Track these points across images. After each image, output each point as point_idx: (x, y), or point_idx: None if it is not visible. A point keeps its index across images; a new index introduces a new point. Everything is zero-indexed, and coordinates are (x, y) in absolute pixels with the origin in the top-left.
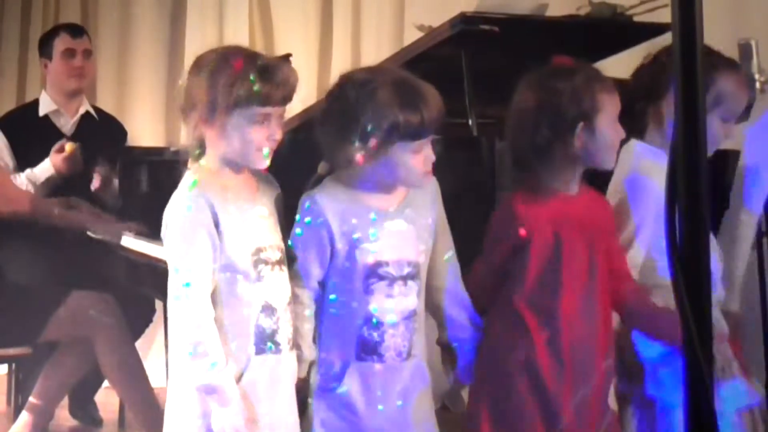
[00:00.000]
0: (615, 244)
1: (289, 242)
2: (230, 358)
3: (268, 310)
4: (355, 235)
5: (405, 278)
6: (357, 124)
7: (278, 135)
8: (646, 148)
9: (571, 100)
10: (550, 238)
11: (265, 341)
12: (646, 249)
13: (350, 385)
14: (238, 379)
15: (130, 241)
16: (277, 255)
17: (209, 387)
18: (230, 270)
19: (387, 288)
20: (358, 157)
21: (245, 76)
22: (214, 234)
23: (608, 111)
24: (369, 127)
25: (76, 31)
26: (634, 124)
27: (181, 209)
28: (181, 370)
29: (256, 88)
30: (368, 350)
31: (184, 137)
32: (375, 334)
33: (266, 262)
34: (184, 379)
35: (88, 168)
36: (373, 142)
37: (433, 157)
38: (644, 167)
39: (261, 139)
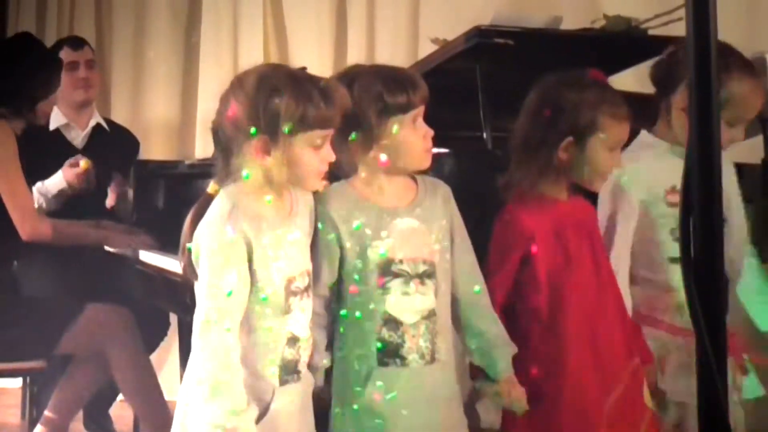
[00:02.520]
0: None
1: None
2: (255, 392)
3: (292, 340)
4: (365, 233)
5: (421, 276)
6: (347, 113)
7: (333, 156)
8: (647, 136)
9: (569, 112)
10: (553, 242)
11: (288, 372)
12: (630, 239)
13: (374, 392)
14: (264, 413)
15: (147, 256)
16: (305, 281)
17: (227, 429)
18: (260, 304)
19: (403, 286)
20: (359, 145)
21: (312, 97)
22: (247, 273)
23: (607, 136)
24: (361, 110)
25: (77, 43)
26: (647, 114)
27: (215, 244)
28: (196, 402)
29: (321, 109)
30: (390, 353)
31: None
32: (395, 336)
33: (295, 293)
34: (200, 414)
35: (100, 182)
36: (368, 124)
37: (431, 132)
38: (635, 153)
39: (319, 163)
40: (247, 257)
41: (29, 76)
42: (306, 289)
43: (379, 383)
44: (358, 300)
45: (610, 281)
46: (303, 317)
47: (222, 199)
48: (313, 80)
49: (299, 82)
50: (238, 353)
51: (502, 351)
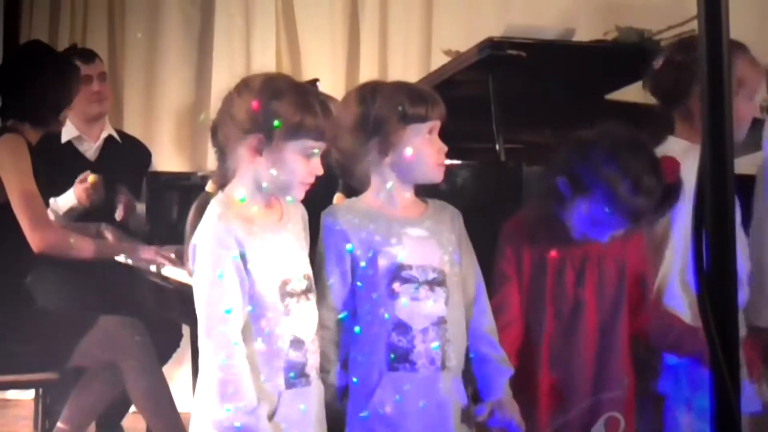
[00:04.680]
0: (639, 271)
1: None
2: (261, 395)
3: (297, 343)
4: (374, 240)
5: (431, 283)
6: (368, 119)
7: (321, 170)
8: (679, 141)
9: (583, 168)
10: (536, 255)
11: (295, 375)
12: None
13: (384, 398)
14: (271, 416)
15: (168, 270)
16: (303, 284)
17: (241, 428)
18: (257, 305)
19: (413, 291)
20: (375, 151)
21: (312, 107)
22: (242, 270)
23: (584, 208)
24: (381, 117)
25: (88, 56)
26: (662, 128)
27: (208, 244)
28: (207, 405)
29: (318, 120)
30: (399, 358)
31: (212, 163)
32: (404, 340)
33: (292, 294)
34: (211, 415)
35: (110, 197)
36: (386, 130)
37: (445, 148)
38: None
39: (307, 173)
40: (240, 257)
41: (51, 84)
42: (304, 292)
43: (389, 388)
44: (369, 306)
45: (599, 309)
46: (305, 320)
47: (213, 205)
48: (316, 93)
49: (302, 91)
50: (243, 351)
51: (497, 373)
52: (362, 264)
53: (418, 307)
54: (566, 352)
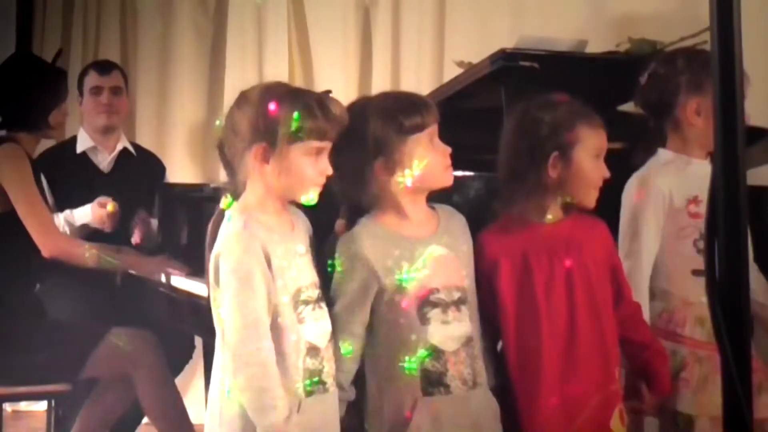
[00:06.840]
0: (615, 265)
1: (332, 287)
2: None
3: (313, 351)
4: (402, 266)
5: (457, 303)
6: (366, 140)
7: (329, 170)
8: (666, 153)
9: (549, 130)
10: (519, 265)
11: (313, 382)
12: (652, 250)
13: (421, 424)
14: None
15: (178, 281)
16: (315, 293)
17: None
18: (274, 313)
19: (442, 315)
20: (382, 170)
21: (310, 109)
22: (269, 278)
23: (587, 146)
24: (380, 134)
25: (104, 68)
26: (654, 141)
27: (236, 254)
28: (232, 416)
29: (317, 121)
30: (433, 382)
31: (224, 174)
32: (438, 365)
33: (306, 302)
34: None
35: (124, 212)
36: (389, 146)
37: (449, 149)
38: (655, 169)
39: (316, 174)
40: (267, 265)
41: (33, 90)
42: (317, 301)
43: (424, 412)
44: (396, 334)
45: (590, 305)
46: (318, 327)
47: (234, 215)
48: (314, 95)
49: (299, 94)
50: (274, 359)
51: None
52: (391, 291)
53: (449, 331)
54: (570, 362)
